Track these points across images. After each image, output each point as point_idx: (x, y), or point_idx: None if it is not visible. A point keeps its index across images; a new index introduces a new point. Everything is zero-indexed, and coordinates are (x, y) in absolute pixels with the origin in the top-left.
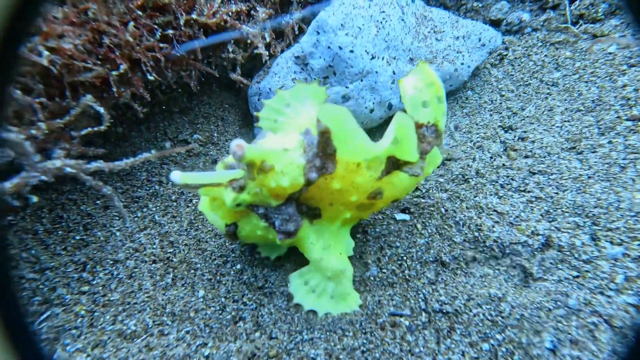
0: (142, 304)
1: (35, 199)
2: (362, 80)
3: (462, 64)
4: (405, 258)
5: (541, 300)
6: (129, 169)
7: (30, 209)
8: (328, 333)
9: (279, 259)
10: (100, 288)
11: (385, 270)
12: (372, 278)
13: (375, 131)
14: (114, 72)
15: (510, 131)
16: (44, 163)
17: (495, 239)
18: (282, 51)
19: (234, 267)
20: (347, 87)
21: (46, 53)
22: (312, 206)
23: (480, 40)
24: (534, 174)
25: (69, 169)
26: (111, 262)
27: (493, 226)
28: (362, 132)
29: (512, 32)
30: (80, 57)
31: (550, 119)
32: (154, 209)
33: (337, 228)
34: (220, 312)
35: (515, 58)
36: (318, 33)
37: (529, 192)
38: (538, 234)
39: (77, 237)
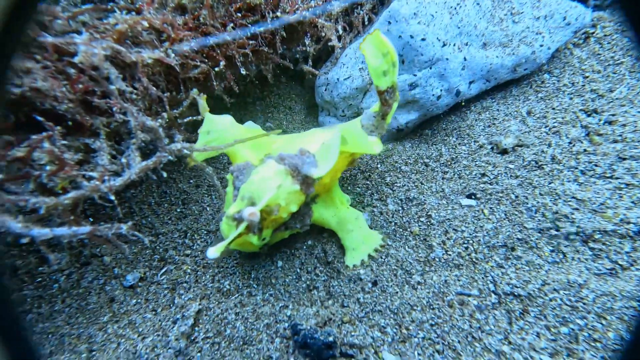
0: (232, 268)
1: (165, 174)
2: (430, 68)
3: (541, 45)
4: (471, 242)
5: (632, 290)
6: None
7: (144, 184)
8: (396, 306)
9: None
10: (199, 252)
11: (450, 253)
12: (437, 259)
13: (442, 115)
14: (216, 69)
15: (594, 115)
16: (170, 146)
17: (575, 226)
18: (351, 42)
19: (305, 243)
20: (414, 75)
21: (172, 55)
22: (312, 196)
23: (565, 19)
24: (624, 159)
25: (185, 151)
26: (205, 232)
27: (572, 213)
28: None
29: (602, 7)
30: (193, 57)
31: None
32: None
33: (331, 195)
34: (296, 280)
35: (605, 35)
36: (389, 23)
37: (617, 178)
38: (629, 222)
39: (178, 210)
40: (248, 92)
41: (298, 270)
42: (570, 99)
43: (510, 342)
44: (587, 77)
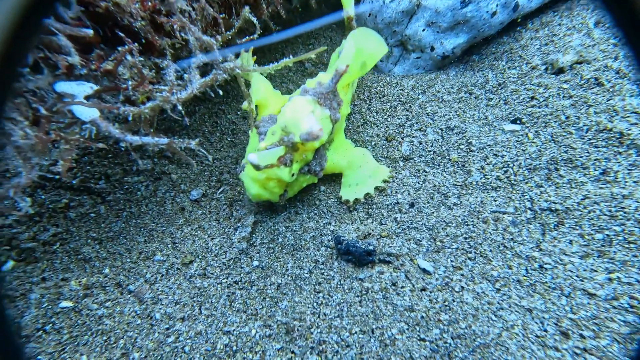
0: None
1: (221, 92)
2: None
3: None
4: (511, 165)
5: None
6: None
7: (197, 114)
8: (432, 224)
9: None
10: None
11: (489, 177)
12: (474, 183)
13: (492, 37)
14: None
15: None
16: (224, 64)
17: (631, 140)
18: None
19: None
20: None
21: None
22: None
23: None
24: None
25: (238, 70)
26: None
27: (629, 128)
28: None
29: None
30: None
31: None
32: None
33: (339, 139)
34: (337, 203)
35: None
36: None
37: None
38: None
39: (229, 139)
40: (291, 21)
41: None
42: None
43: (541, 249)
44: None
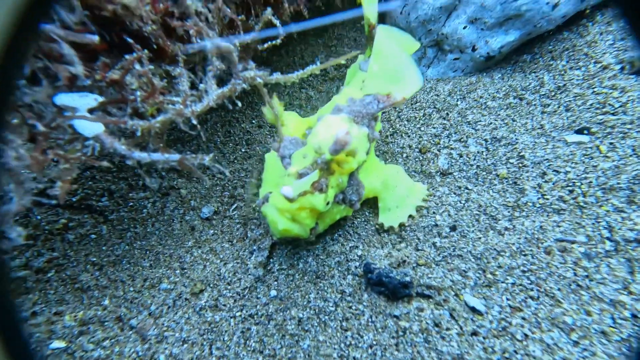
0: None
1: (240, 103)
2: None
3: None
4: (578, 184)
5: None
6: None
7: (209, 123)
8: (479, 251)
9: None
10: None
11: (548, 197)
12: (529, 204)
13: (548, 34)
14: None
15: None
16: (244, 72)
17: None
18: None
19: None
20: None
21: None
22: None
23: None
24: None
25: (259, 79)
26: None
27: None
28: None
29: None
30: None
31: None
32: None
33: (369, 158)
34: (365, 223)
35: None
36: None
37: None
38: None
39: (243, 150)
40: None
41: (367, 213)
42: None
43: (630, 293)
44: None
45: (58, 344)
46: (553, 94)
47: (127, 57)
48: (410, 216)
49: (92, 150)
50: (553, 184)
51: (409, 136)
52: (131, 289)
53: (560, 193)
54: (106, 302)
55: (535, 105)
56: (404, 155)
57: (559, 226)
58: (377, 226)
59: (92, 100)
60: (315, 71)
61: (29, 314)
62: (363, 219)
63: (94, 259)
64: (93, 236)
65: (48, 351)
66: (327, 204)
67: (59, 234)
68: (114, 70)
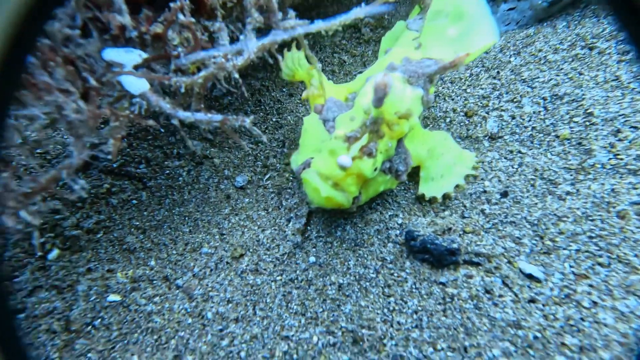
0: None
1: (281, 57)
2: None
3: None
4: None
5: None
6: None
7: (237, 93)
8: (536, 217)
9: None
10: None
11: (622, 156)
12: (597, 166)
13: None
14: None
15: None
16: (283, 22)
17: None
18: None
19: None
20: None
21: None
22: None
23: None
24: None
25: (299, 28)
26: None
27: None
28: None
29: None
30: None
31: None
32: None
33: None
34: (405, 191)
35: None
36: None
37: None
38: None
39: (274, 119)
40: None
41: (406, 181)
42: None
43: None
44: None
45: (114, 297)
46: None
47: (171, 4)
48: (457, 186)
49: (139, 108)
50: (630, 142)
51: (452, 99)
52: (174, 251)
53: (638, 152)
54: (152, 262)
55: (609, 54)
56: (447, 119)
57: (636, 188)
58: (417, 196)
59: (137, 56)
60: (359, 15)
61: (84, 270)
62: (402, 187)
63: (137, 223)
64: (134, 202)
65: (106, 303)
66: (375, 170)
67: (104, 198)
68: (157, 24)
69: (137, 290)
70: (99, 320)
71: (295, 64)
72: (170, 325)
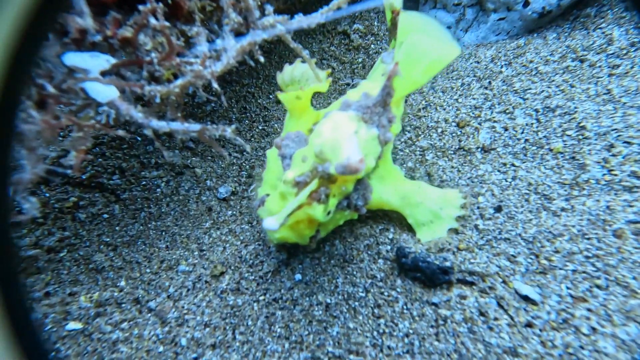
0: None
1: (262, 59)
2: None
3: None
4: None
5: None
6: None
7: (224, 98)
8: (531, 234)
9: None
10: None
11: (617, 172)
12: (592, 181)
13: None
14: None
15: None
16: (261, 20)
17: None
18: None
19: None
20: None
21: None
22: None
23: None
24: None
25: (279, 25)
26: None
27: None
28: None
29: None
30: None
31: None
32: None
33: (386, 165)
34: None
35: None
36: None
37: None
38: None
39: (260, 127)
40: None
41: None
42: None
43: None
44: None
45: (74, 325)
46: (625, 52)
47: (141, 7)
48: (452, 230)
49: (106, 117)
50: (623, 157)
51: (444, 109)
52: (148, 270)
53: (633, 168)
54: (122, 283)
55: (600, 67)
56: (439, 130)
57: (631, 206)
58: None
59: (104, 61)
60: (342, 4)
61: (42, 294)
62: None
63: (108, 239)
64: (105, 216)
65: (64, 332)
66: (328, 213)
67: (70, 213)
68: (126, 27)
69: (102, 315)
70: (54, 352)
71: (292, 81)
72: (138, 354)
